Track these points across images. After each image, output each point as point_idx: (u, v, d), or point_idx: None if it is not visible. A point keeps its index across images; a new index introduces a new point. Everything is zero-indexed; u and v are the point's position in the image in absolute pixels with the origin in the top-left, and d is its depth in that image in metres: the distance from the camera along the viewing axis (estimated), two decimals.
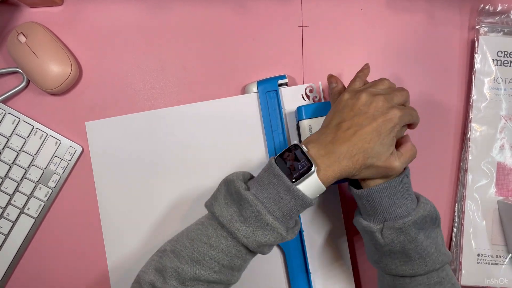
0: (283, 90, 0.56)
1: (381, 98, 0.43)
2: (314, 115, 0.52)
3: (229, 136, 0.56)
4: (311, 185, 0.41)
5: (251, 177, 0.46)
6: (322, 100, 0.56)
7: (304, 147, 0.42)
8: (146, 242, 0.57)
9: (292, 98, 0.56)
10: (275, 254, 0.55)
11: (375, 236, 0.44)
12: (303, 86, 0.56)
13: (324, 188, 0.42)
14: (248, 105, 0.56)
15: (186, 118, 0.56)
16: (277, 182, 0.41)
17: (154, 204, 0.57)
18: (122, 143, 0.57)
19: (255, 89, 0.56)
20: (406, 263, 0.43)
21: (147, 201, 0.57)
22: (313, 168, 0.41)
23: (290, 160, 0.42)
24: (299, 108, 0.52)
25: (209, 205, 0.44)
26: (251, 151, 0.56)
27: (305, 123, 0.52)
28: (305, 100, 0.56)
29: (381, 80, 0.46)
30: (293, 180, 0.41)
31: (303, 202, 0.41)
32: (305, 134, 0.52)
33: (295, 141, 0.54)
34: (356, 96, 0.43)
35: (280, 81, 0.55)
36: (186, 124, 0.56)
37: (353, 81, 0.47)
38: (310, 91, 0.56)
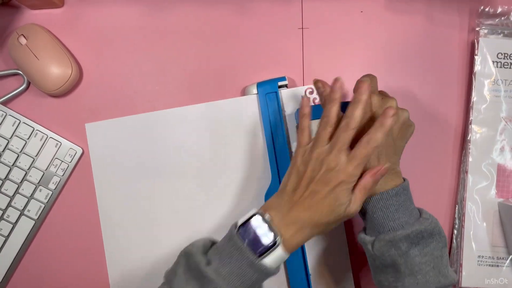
0: (283, 92, 0.56)
1: (329, 161, 0.41)
2: (314, 117, 0.51)
3: (229, 138, 0.56)
4: (275, 257, 0.40)
5: (213, 242, 0.44)
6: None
7: (267, 216, 0.41)
8: (146, 244, 0.57)
9: (292, 100, 0.56)
10: None
11: (367, 249, 0.44)
12: (303, 88, 0.56)
13: (287, 257, 0.41)
14: (248, 106, 0.56)
15: (186, 120, 0.56)
16: (240, 256, 0.40)
17: (154, 206, 0.56)
18: (122, 145, 0.57)
19: (255, 90, 0.56)
20: (397, 279, 0.42)
21: (147, 204, 0.57)
22: (278, 240, 0.40)
23: (254, 231, 0.40)
24: (298, 111, 0.52)
25: (169, 280, 0.42)
26: (251, 153, 0.56)
27: None
28: None
29: (323, 123, 0.43)
30: (258, 254, 0.40)
31: (266, 275, 0.41)
32: None
33: (295, 143, 0.54)
34: (305, 162, 0.42)
35: (280, 83, 0.55)
36: (186, 126, 0.56)
37: (300, 134, 0.45)
38: (310, 92, 0.56)
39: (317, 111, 0.52)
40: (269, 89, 0.55)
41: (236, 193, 0.56)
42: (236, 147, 0.56)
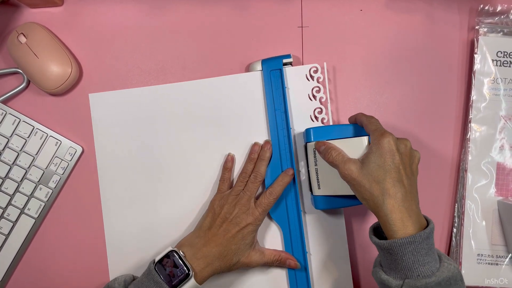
0: (288, 70, 0.56)
1: (241, 205, 0.51)
2: (322, 137, 0.50)
3: (231, 113, 0.56)
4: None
5: (134, 278, 0.51)
6: (331, 122, 0.55)
7: (181, 253, 0.49)
8: (148, 239, 0.57)
9: (296, 78, 0.56)
10: (274, 232, 0.56)
11: None
12: (308, 66, 0.56)
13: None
14: (252, 83, 0.56)
15: (190, 94, 0.56)
16: None
17: (156, 182, 0.57)
18: (124, 117, 0.57)
19: (259, 67, 0.56)
20: None
21: (150, 189, 0.57)
22: (190, 273, 0.48)
23: (169, 267, 0.48)
24: (307, 130, 0.51)
25: None
26: (253, 129, 0.56)
27: (312, 145, 0.51)
28: (313, 121, 0.55)
29: (242, 176, 0.54)
30: (173, 286, 0.47)
31: None
32: (311, 156, 0.51)
33: (296, 127, 0.54)
34: (221, 205, 0.52)
35: (285, 60, 0.55)
36: (190, 100, 0.56)
37: (221, 183, 0.55)
38: (315, 71, 0.56)
39: (325, 132, 0.51)
40: (274, 66, 0.55)
41: (236, 169, 0.56)
42: (237, 122, 0.56)
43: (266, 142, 0.55)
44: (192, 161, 0.56)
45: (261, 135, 0.56)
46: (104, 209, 0.57)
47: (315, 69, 0.56)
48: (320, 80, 0.56)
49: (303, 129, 0.55)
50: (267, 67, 0.55)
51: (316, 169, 0.51)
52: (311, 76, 0.56)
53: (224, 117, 0.56)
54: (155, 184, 0.57)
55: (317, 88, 0.56)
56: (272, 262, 0.54)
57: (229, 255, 0.50)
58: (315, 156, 0.51)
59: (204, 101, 0.56)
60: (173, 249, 0.49)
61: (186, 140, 0.56)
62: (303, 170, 0.55)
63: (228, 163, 0.55)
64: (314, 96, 0.56)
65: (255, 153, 0.55)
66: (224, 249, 0.50)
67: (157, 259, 0.49)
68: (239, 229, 0.50)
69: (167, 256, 0.49)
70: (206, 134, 0.56)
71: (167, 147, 0.57)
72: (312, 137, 0.51)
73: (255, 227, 0.51)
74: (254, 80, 0.56)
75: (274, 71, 0.55)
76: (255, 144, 0.55)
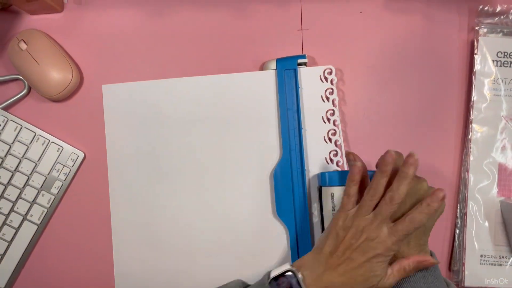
0: (302, 70, 0.56)
1: (370, 231, 0.42)
2: (337, 183, 0.50)
3: (242, 111, 0.56)
4: None
5: (246, 286, 0.46)
6: (345, 166, 0.55)
7: (300, 276, 0.42)
8: (159, 244, 0.56)
9: (309, 79, 0.56)
10: (280, 233, 0.55)
11: None
12: (322, 68, 0.56)
13: None
14: (265, 81, 0.56)
15: (202, 89, 0.57)
16: None
17: (166, 183, 0.57)
18: (135, 108, 0.57)
19: (273, 66, 0.56)
20: None
21: (158, 181, 0.56)
22: None
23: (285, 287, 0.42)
24: (323, 174, 0.51)
25: None
26: (264, 127, 0.56)
27: (327, 190, 0.50)
28: (328, 164, 0.55)
29: (370, 193, 0.43)
30: None
31: None
32: (327, 201, 0.51)
33: (308, 134, 0.54)
34: (345, 227, 0.44)
35: (299, 60, 0.55)
36: (201, 95, 0.57)
37: (346, 198, 0.45)
38: (329, 73, 0.56)
39: (340, 178, 0.50)
40: (288, 66, 0.55)
41: (245, 167, 0.56)
42: (248, 120, 0.56)
43: (411, 155, 0.42)
44: (203, 161, 0.56)
45: (272, 133, 0.56)
46: (112, 212, 0.57)
47: (329, 70, 0.56)
48: (334, 82, 0.56)
49: (319, 170, 0.55)
50: (281, 66, 0.55)
51: (333, 214, 0.50)
52: (325, 77, 0.56)
53: (236, 114, 0.56)
54: (166, 183, 0.56)
55: (331, 90, 0.56)
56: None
57: (355, 287, 0.42)
58: (333, 202, 0.50)
59: (216, 96, 0.56)
60: (292, 269, 0.43)
61: (197, 138, 0.56)
62: (315, 213, 0.55)
63: (356, 175, 0.45)
64: (327, 98, 0.56)
65: (389, 165, 0.42)
66: (348, 280, 0.42)
67: (273, 274, 0.43)
68: (366, 260, 0.42)
69: (283, 275, 0.43)
70: (217, 132, 0.56)
71: (178, 146, 0.56)
72: (327, 182, 0.50)
73: (386, 259, 0.42)
74: (267, 79, 0.56)
75: (288, 70, 0.55)
76: (388, 153, 0.43)
